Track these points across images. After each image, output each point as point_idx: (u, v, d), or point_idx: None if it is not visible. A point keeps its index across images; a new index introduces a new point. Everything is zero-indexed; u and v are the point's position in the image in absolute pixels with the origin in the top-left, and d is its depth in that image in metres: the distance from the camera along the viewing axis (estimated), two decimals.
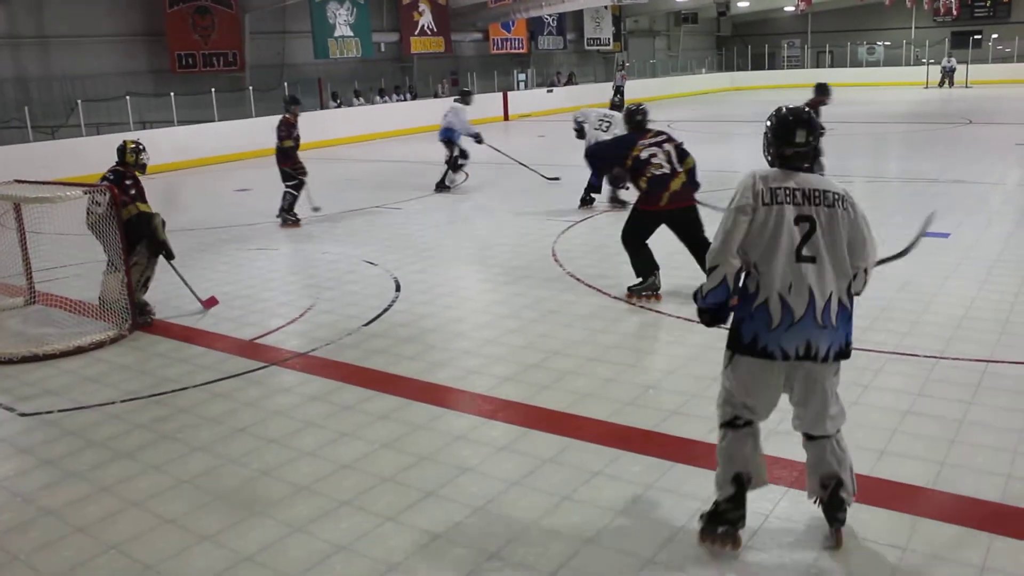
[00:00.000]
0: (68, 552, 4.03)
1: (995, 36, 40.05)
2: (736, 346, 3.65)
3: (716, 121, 25.39)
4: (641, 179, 7.45)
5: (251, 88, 23.48)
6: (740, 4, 42.39)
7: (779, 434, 4.79)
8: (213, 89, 21.99)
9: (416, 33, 29.80)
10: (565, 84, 34.68)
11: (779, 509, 4.05)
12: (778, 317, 3.48)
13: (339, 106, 26.33)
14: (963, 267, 8.19)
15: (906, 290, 7.47)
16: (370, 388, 5.86)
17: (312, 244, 10.65)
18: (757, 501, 4.09)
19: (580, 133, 11.78)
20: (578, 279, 8.32)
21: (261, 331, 7.30)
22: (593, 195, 11.91)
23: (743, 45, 45.83)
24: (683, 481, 4.36)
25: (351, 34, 27.55)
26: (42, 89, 21.38)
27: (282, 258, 10.02)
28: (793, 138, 3.59)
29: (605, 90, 34.50)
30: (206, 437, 5.22)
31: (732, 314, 3.67)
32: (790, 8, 38.66)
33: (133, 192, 7.58)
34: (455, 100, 14.50)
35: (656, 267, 7.62)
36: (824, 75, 41.29)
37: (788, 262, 3.46)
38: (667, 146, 7.52)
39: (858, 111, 26.06)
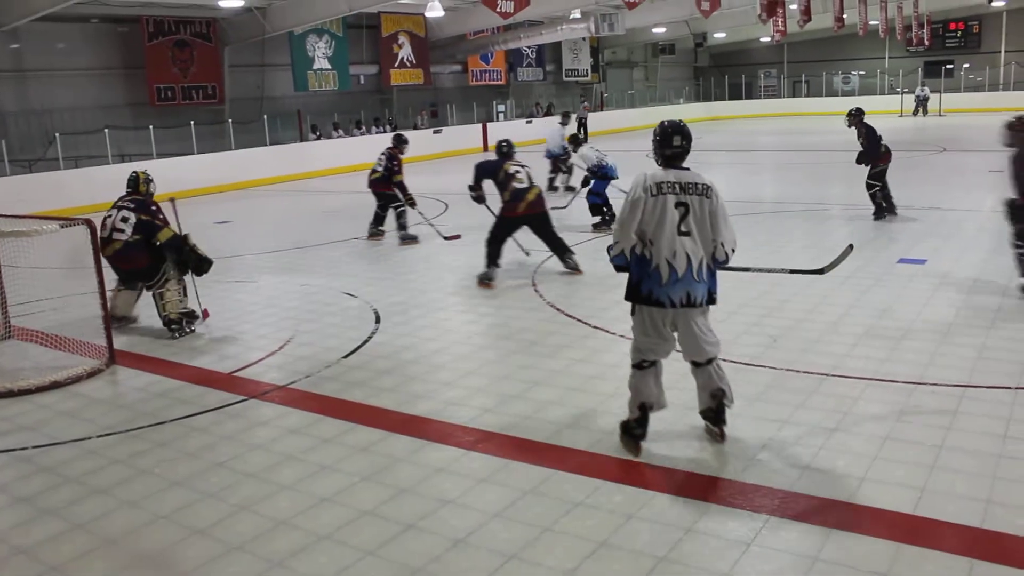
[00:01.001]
0: None
1: (966, 66, 40.70)
2: (637, 299, 4.91)
3: (694, 151, 25.54)
4: (506, 192, 9.54)
5: (230, 121, 23.50)
6: (716, 35, 42.94)
7: (760, 462, 4.80)
8: (192, 122, 22.01)
9: (396, 65, 29.96)
10: (544, 115, 34.85)
11: (760, 537, 4.04)
12: (666, 276, 4.76)
13: (318, 138, 26.38)
14: (940, 293, 8.26)
15: (885, 317, 7.51)
16: (350, 420, 5.82)
17: (291, 276, 10.61)
18: (738, 530, 4.09)
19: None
20: (558, 309, 8.32)
21: (240, 364, 7.25)
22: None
23: (720, 75, 46.31)
24: (665, 510, 4.35)
25: (329, 67, 27.69)
26: (19, 122, 21.31)
27: (261, 290, 9.97)
28: (671, 142, 4.99)
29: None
30: (184, 472, 5.16)
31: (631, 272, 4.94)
32: (766, 39, 39.11)
33: (162, 216, 8.19)
34: (559, 121, 17.89)
35: (498, 264, 9.64)
36: (800, 104, 41.90)
37: (672, 236, 4.73)
38: (526, 169, 9.77)
39: (834, 140, 26.29)
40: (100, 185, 18.29)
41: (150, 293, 8.23)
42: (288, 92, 27.07)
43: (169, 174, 20.04)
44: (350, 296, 9.38)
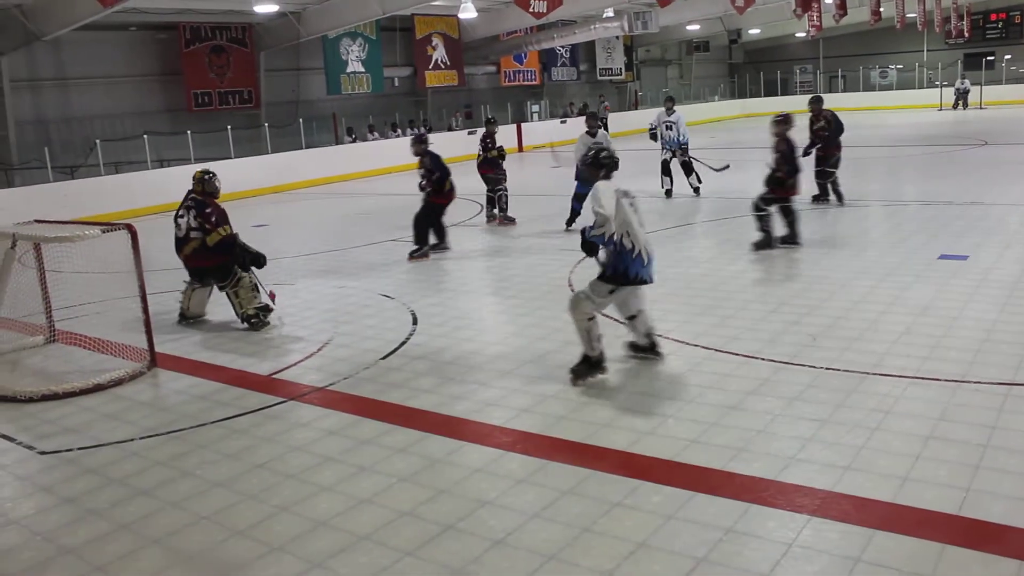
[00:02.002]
0: None
1: (1008, 57, 40.03)
2: (624, 281, 6.18)
3: (730, 148, 25.41)
4: (447, 182, 11.58)
5: (266, 125, 23.71)
6: (751, 32, 42.59)
7: (801, 461, 4.75)
8: (229, 126, 22.22)
9: (430, 67, 30.06)
10: (578, 115, 34.76)
11: (801, 538, 4.00)
12: (646, 259, 6.17)
13: (354, 141, 26.51)
14: (983, 289, 8.13)
15: (926, 314, 7.41)
16: (388, 422, 5.84)
17: (328, 278, 10.68)
18: (779, 530, 4.05)
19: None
20: None
21: (279, 366, 7.32)
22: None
23: (755, 72, 45.97)
24: (703, 510, 4.32)
25: (363, 70, 27.83)
26: (61, 130, 21.65)
27: (299, 293, 10.04)
28: (616, 165, 6.37)
29: (619, 120, 34.64)
30: (225, 473, 5.22)
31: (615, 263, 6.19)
32: (801, 34, 38.77)
33: (215, 219, 8.34)
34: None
35: (427, 243, 11.54)
36: (837, 100, 41.45)
37: (640, 228, 6.17)
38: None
39: (872, 134, 26.04)
40: (139, 190, 18.60)
41: (223, 292, 8.53)
42: (323, 95, 27.26)
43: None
44: (387, 298, 9.42)
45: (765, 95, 44.07)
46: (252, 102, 25.46)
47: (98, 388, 6.95)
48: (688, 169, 15.76)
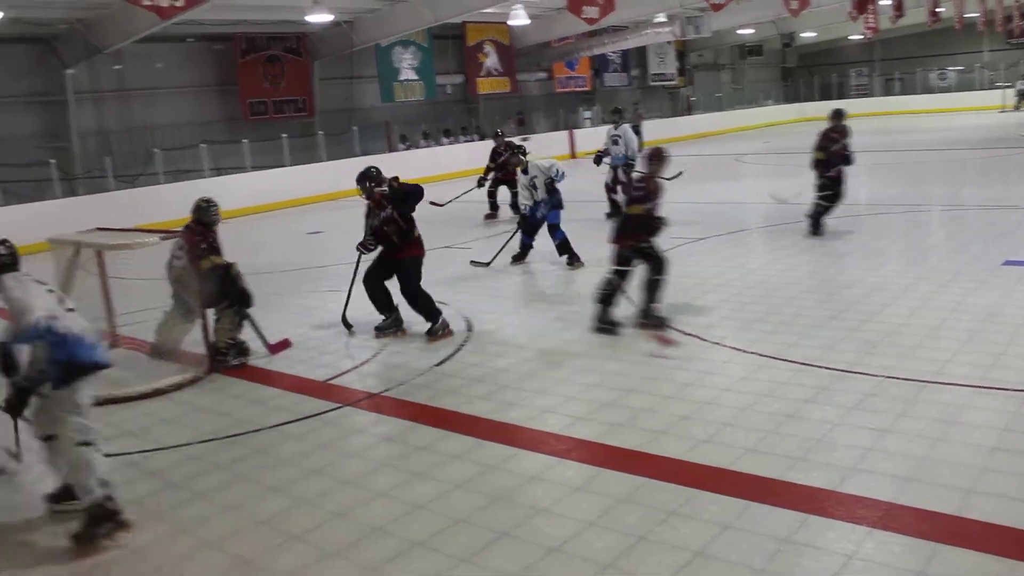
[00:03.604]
0: None
1: None
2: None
3: (785, 153, 25.12)
4: (415, 229, 8.37)
5: (321, 133, 23.97)
6: (805, 35, 42.08)
7: (861, 472, 4.67)
8: (284, 135, 22.51)
9: (482, 74, 30.17)
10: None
11: (862, 550, 3.92)
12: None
13: (407, 148, 26.68)
14: None
15: (990, 321, 7.24)
16: (443, 428, 5.85)
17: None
18: (839, 542, 3.99)
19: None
20: None
21: (334, 372, 7.37)
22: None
23: (809, 75, 45.37)
24: (761, 520, 4.26)
25: (416, 77, 28.01)
26: (122, 140, 22.10)
27: (354, 299, 10.10)
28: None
29: (671, 125, 34.47)
30: (281, 478, 5.27)
31: None
32: (857, 36, 38.22)
33: (204, 246, 7.67)
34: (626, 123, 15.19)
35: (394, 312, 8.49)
36: (894, 103, 40.74)
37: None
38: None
39: (932, 138, 25.59)
40: (196, 198, 18.90)
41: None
42: (376, 103, 27.48)
43: (262, 186, 20.69)
44: (441, 304, 9.42)
45: (820, 99, 43.47)
46: (307, 111, 25.75)
47: (158, 393, 7.07)
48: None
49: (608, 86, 35.96)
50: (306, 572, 4.15)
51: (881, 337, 7.01)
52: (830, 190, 11.41)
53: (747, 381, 6.26)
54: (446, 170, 24.99)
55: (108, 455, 5.81)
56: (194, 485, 5.27)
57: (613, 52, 34.23)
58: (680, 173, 14.23)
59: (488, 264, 11.27)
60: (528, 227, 11.21)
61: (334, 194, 21.76)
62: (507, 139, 15.11)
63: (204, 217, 7.84)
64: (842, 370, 6.29)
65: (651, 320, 7.66)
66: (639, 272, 7.81)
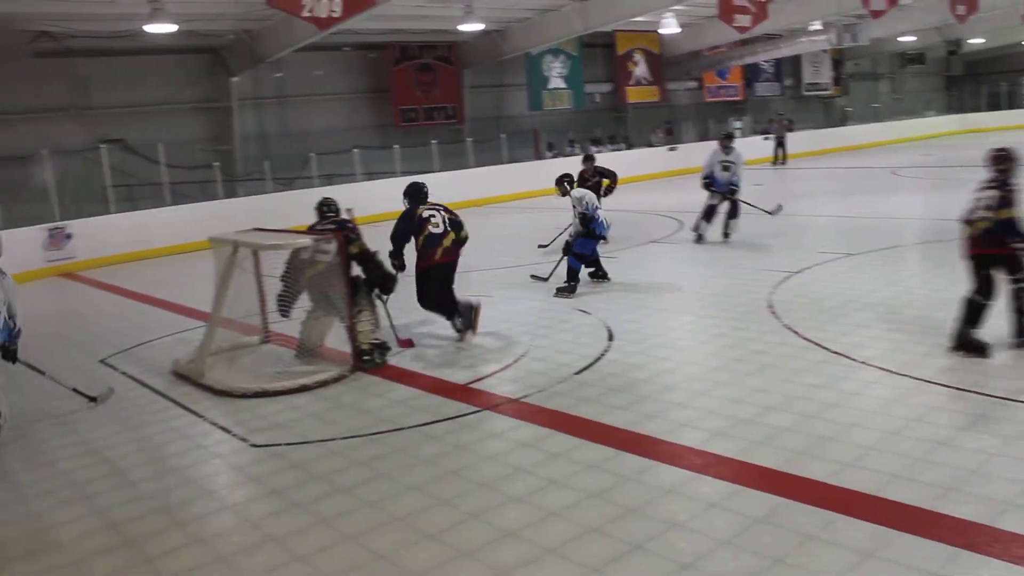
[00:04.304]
0: None
1: None
2: None
3: (946, 167, 24.02)
4: (420, 237, 8.49)
5: (470, 139, 24.37)
6: (972, 41, 40.08)
7: (1019, 508, 4.40)
8: (434, 141, 23.00)
9: (631, 83, 30.07)
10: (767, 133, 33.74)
11: None
12: None
13: (554, 156, 26.81)
14: None
15: None
16: (580, 436, 5.84)
17: (526, 291, 10.81)
18: None
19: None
20: (796, 332, 8.00)
21: (476, 376, 7.47)
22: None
23: (976, 84, 43.15)
24: (906, 552, 4.06)
25: (564, 86, 28.16)
26: (280, 144, 23.06)
27: (497, 304, 10.22)
28: None
29: (824, 136, 33.47)
30: (419, 477, 5.37)
31: None
32: None
33: (354, 235, 8.17)
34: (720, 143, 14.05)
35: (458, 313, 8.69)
36: None
37: None
38: (441, 213, 8.70)
39: None
40: (348, 201, 19.49)
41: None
42: (524, 111, 27.75)
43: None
44: (584, 313, 9.44)
45: (988, 109, 41.28)
46: (456, 117, 26.23)
47: (305, 389, 7.33)
48: (735, 212, 13.56)
49: (759, 96, 35.21)
50: (438, 571, 4.22)
51: None
52: None
53: (896, 404, 5.99)
54: None
55: (256, 446, 6.13)
56: (336, 479, 5.44)
57: (766, 61, 33.50)
58: (780, 207, 13.98)
59: (547, 279, 11.27)
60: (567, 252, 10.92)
61: (481, 200, 22.09)
62: (596, 165, 14.05)
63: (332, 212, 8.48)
64: (1003, 398, 5.94)
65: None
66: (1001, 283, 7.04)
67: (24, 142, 18.45)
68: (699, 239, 13.59)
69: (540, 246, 13.91)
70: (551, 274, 11.25)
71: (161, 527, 4.97)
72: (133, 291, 13.31)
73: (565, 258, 10.86)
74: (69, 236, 16.59)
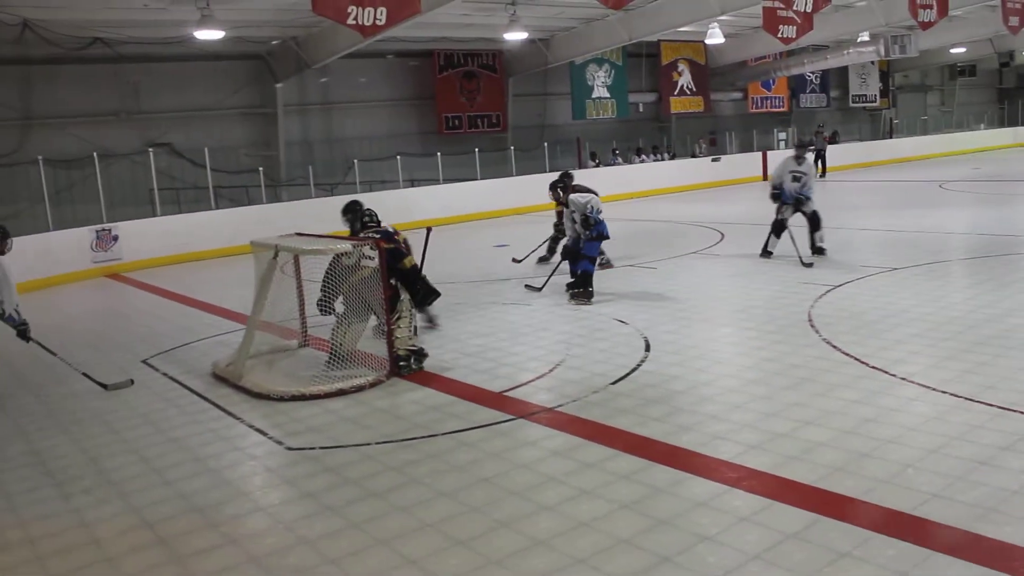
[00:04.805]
0: None
1: None
2: None
3: (996, 180, 23.65)
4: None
5: (512, 148, 24.42)
6: None
7: None
8: (477, 149, 23.08)
9: (675, 93, 29.95)
10: (829, 143, 33.36)
11: None
12: None
13: (597, 165, 26.78)
14: None
15: None
16: (613, 447, 5.82)
17: (563, 300, 10.79)
18: None
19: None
20: (835, 346, 7.91)
21: (511, 384, 7.47)
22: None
23: None
24: (942, 573, 3.99)
25: (608, 95, 28.12)
26: (324, 150, 23.30)
27: (535, 313, 10.22)
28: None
29: (870, 149, 33.09)
30: (451, 484, 5.38)
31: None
32: None
33: (405, 248, 8.22)
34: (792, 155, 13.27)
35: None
36: None
37: None
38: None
39: None
40: (390, 207, 19.60)
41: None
42: (568, 120, 27.76)
43: (454, 199, 21.32)
44: (621, 323, 9.41)
45: None
46: (500, 126, 26.31)
47: (341, 393, 7.38)
48: (816, 223, 12.79)
49: (805, 107, 34.90)
50: None
51: None
52: None
53: (936, 422, 5.89)
54: (635, 188, 24.96)
55: (291, 449, 6.18)
56: (369, 484, 5.46)
57: (812, 72, 33.19)
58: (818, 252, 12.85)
59: (540, 289, 11.35)
60: (572, 258, 11.01)
61: (523, 208, 22.12)
62: (575, 184, 12.29)
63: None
64: None
65: None
66: None
67: (75, 146, 18.85)
68: (767, 254, 12.94)
69: (514, 260, 13.80)
70: (544, 284, 11.32)
71: (195, 527, 5.03)
72: (176, 293, 13.50)
73: (566, 263, 11.10)
74: (116, 238, 16.89)
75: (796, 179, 12.76)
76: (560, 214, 12.42)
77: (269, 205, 19.74)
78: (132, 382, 8.11)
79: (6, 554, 4.86)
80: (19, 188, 17.87)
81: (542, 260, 13.46)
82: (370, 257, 7.98)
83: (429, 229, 8.85)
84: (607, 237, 10.94)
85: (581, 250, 10.78)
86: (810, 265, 11.80)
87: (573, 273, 11.04)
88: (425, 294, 8.48)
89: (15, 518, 5.34)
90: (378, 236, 8.12)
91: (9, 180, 17.91)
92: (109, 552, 4.78)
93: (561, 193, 11.26)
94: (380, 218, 8.75)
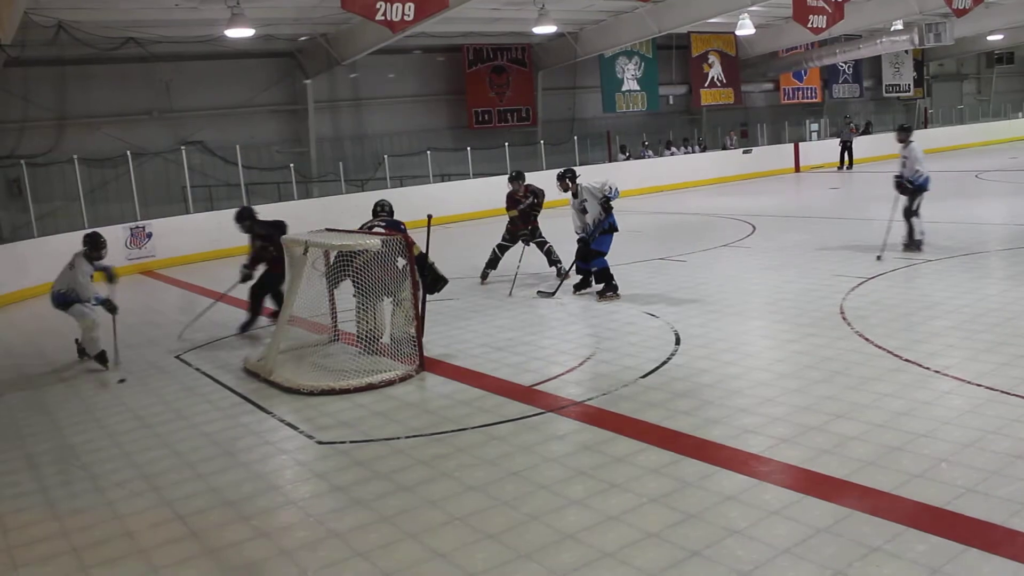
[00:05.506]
0: (348, 574, 4.31)
1: None
2: None
3: None
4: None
5: (542, 142, 24.39)
6: None
7: None
8: (507, 143, 23.07)
9: (705, 85, 29.76)
10: (861, 133, 33.01)
11: None
12: None
13: (627, 158, 26.68)
14: None
15: None
16: (643, 441, 5.80)
17: (592, 295, 10.75)
18: None
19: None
20: (867, 339, 7.82)
21: (540, 378, 7.47)
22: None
23: None
24: (975, 568, 3.94)
25: (638, 88, 28.00)
26: (355, 146, 23.39)
27: (565, 307, 10.21)
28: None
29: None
30: (481, 478, 5.39)
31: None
32: None
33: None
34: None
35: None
36: None
37: None
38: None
39: None
40: (420, 203, 19.69)
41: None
42: (598, 113, 27.69)
43: (484, 192, 21.30)
44: (652, 316, 9.37)
45: None
46: (529, 119, 26.29)
47: (371, 387, 7.42)
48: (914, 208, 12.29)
49: (837, 97, 34.53)
50: (496, 572, 4.23)
51: None
52: None
53: (971, 415, 5.80)
54: (665, 181, 24.85)
55: (322, 443, 6.22)
56: (398, 477, 5.48)
57: (844, 62, 32.84)
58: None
59: (553, 294, 11.06)
60: (584, 257, 10.85)
61: (553, 203, 22.03)
62: (527, 184, 12.53)
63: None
64: None
65: None
66: None
67: (109, 145, 19.07)
68: (917, 247, 12.12)
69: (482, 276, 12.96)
70: (557, 289, 11.17)
71: (227, 520, 5.08)
72: (208, 289, 13.61)
73: (575, 265, 11.01)
74: (149, 235, 17.07)
75: (902, 164, 12.39)
76: (513, 220, 12.20)
77: (301, 201, 19.86)
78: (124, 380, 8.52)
79: (43, 545, 4.94)
80: (55, 187, 18.12)
81: (489, 268, 12.43)
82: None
83: (430, 217, 8.84)
84: (616, 229, 10.83)
85: (592, 244, 10.66)
86: (879, 259, 11.53)
87: (583, 272, 10.98)
88: (433, 280, 8.64)
89: (51, 512, 5.42)
90: (383, 226, 8.49)
91: (45, 179, 18.15)
92: (142, 544, 4.84)
93: (571, 183, 11.09)
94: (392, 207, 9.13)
